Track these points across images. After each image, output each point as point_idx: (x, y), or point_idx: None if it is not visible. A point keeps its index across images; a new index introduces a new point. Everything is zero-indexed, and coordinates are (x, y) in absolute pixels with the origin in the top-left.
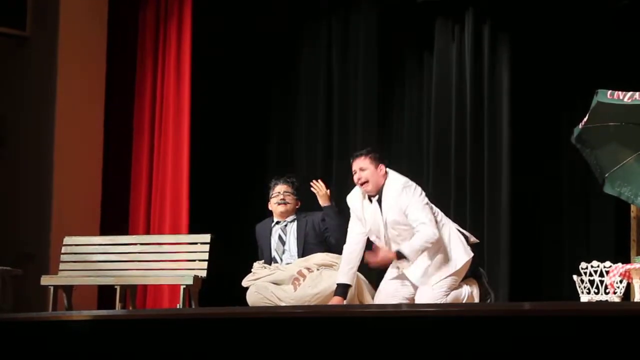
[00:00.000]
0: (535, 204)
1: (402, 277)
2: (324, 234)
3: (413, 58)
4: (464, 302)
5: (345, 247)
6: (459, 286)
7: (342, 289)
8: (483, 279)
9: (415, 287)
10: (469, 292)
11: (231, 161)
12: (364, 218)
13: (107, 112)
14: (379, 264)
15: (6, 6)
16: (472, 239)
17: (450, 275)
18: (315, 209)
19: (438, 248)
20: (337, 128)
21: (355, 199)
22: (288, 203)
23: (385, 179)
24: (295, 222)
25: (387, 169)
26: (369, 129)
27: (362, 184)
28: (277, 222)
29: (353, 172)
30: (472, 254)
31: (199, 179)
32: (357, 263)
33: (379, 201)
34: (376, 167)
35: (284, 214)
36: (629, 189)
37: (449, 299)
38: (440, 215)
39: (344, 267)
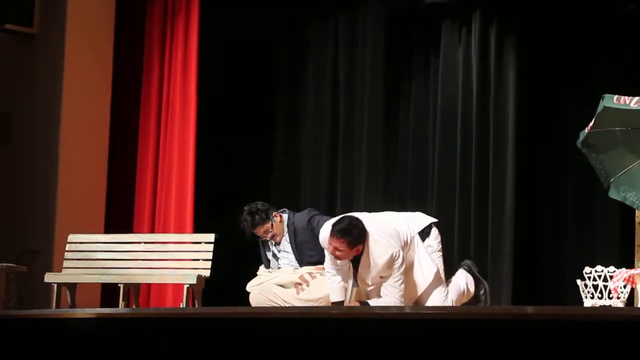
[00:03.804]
0: (539, 208)
1: None
2: (316, 231)
3: (420, 60)
4: (464, 294)
5: (325, 268)
6: (452, 281)
7: (337, 306)
8: (473, 269)
9: None
10: (465, 285)
11: (237, 161)
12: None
13: (114, 110)
14: None
15: (14, 3)
16: (432, 220)
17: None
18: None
19: (408, 270)
20: (342, 128)
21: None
22: (270, 233)
23: (363, 248)
24: (286, 236)
25: (369, 234)
26: (375, 130)
27: (335, 255)
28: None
29: (329, 244)
30: (436, 267)
31: (204, 179)
32: (341, 278)
33: (353, 262)
34: (351, 249)
35: (277, 238)
36: (634, 194)
37: (451, 294)
38: (409, 236)
39: (332, 285)
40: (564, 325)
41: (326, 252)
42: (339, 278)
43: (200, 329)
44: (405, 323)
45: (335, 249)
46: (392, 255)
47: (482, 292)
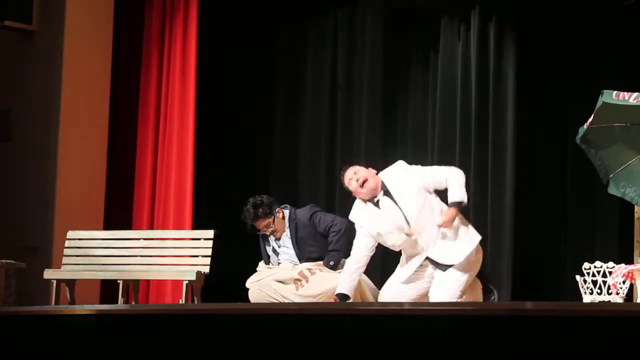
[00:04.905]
0: (539, 204)
1: (411, 279)
2: (317, 228)
3: (419, 57)
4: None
5: (350, 259)
6: (471, 288)
7: (341, 299)
8: (486, 278)
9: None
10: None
11: (235, 157)
12: (374, 228)
13: (112, 107)
14: (450, 221)
15: (13, 0)
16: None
17: (470, 252)
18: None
19: (457, 223)
20: (341, 126)
21: (359, 213)
22: (271, 228)
23: (380, 179)
24: (287, 232)
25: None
26: (373, 128)
27: (362, 184)
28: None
29: (348, 184)
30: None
31: (203, 175)
32: (358, 277)
33: (389, 195)
34: (367, 167)
35: (277, 234)
36: (633, 189)
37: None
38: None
39: (345, 278)
40: (563, 321)
41: (354, 246)
42: (357, 274)
43: (199, 325)
44: (404, 319)
45: (355, 173)
46: (403, 164)
47: (490, 301)
